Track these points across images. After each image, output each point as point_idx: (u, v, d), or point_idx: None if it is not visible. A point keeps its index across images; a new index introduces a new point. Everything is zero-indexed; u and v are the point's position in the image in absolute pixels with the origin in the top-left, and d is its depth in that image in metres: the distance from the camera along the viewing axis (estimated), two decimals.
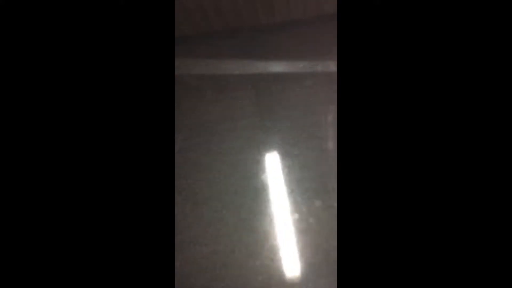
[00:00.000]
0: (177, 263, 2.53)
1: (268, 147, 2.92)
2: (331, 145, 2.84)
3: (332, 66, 2.99)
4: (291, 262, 2.50)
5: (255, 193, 2.79)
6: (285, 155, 2.88)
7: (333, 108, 2.98)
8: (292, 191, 2.73)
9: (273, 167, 2.84)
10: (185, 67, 2.56)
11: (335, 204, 2.55)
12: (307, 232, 2.57)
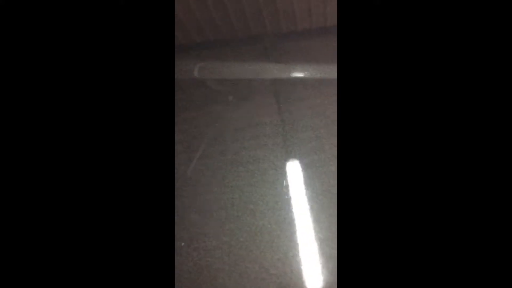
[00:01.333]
0: (190, 267, 2.55)
1: (290, 156, 2.89)
2: None
3: None
4: (312, 271, 2.45)
5: (276, 202, 2.77)
6: (307, 165, 2.83)
7: None
8: (313, 200, 2.68)
9: (294, 176, 2.80)
10: (208, 72, 2.62)
11: None
12: (326, 242, 2.51)
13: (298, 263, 2.53)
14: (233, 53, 2.78)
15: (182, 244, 2.51)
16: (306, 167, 2.84)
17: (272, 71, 2.74)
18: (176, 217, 2.65)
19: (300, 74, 2.69)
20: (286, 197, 2.79)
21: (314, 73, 2.67)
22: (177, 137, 2.89)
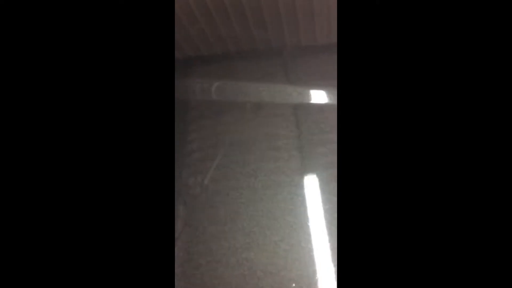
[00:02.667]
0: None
1: (307, 170, 2.86)
2: None
3: None
4: None
5: (291, 216, 2.72)
6: (323, 179, 2.78)
7: None
8: (331, 215, 2.61)
9: (310, 190, 2.77)
10: (226, 93, 2.68)
11: None
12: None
13: (314, 282, 2.45)
14: (252, 69, 2.81)
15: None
16: (322, 182, 2.78)
17: (292, 94, 2.77)
18: (191, 228, 2.67)
19: (321, 101, 2.70)
20: (303, 211, 2.74)
21: (332, 87, 2.66)
22: (195, 145, 2.94)
